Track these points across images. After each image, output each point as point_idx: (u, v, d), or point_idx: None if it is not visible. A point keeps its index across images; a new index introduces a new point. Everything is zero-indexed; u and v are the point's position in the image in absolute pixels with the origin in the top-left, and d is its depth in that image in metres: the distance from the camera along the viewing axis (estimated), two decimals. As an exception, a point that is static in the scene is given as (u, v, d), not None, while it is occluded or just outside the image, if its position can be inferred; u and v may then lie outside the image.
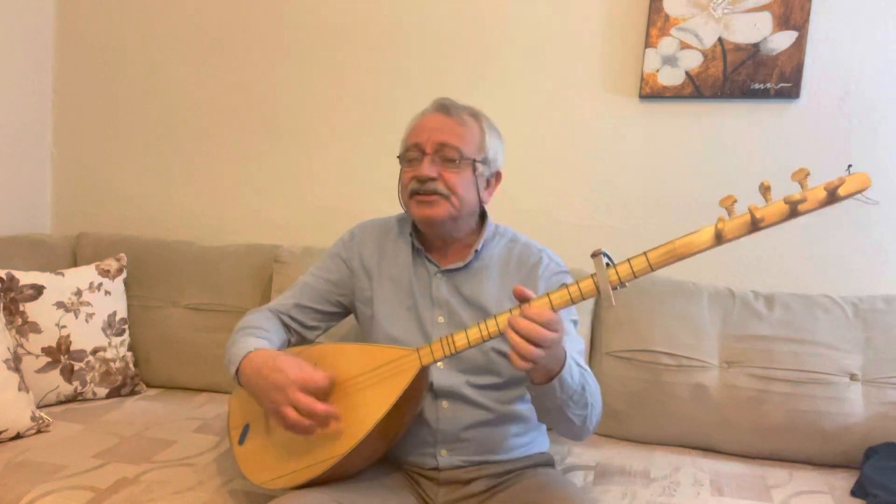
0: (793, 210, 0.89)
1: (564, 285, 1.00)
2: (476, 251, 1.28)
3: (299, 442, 1.14)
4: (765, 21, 1.74)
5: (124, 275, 1.95)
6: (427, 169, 1.20)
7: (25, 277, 1.75)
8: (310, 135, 2.14)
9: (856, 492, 1.40)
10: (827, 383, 1.54)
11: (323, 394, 1.10)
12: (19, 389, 1.56)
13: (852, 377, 1.55)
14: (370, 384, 1.13)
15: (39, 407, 1.66)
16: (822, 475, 1.50)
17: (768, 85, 1.76)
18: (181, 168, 2.26)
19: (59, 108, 2.33)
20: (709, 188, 1.85)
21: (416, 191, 1.22)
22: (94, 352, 1.82)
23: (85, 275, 1.87)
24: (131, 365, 1.89)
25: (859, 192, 0.89)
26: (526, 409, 1.28)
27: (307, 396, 1.07)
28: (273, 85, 2.16)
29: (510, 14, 1.95)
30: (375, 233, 1.37)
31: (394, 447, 1.23)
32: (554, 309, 0.99)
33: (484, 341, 1.06)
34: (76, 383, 1.78)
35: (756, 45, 1.76)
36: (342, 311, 1.39)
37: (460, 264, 1.27)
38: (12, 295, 1.72)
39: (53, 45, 2.31)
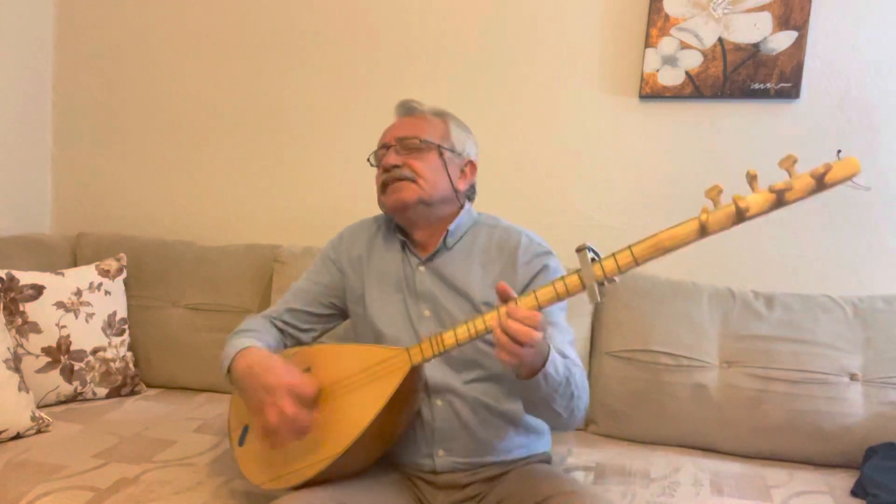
0: (779, 199, 0.84)
1: (551, 282, 0.99)
2: (448, 230, 1.28)
3: (296, 444, 1.14)
4: (765, 21, 1.74)
5: (124, 275, 1.95)
6: (392, 158, 1.25)
7: (25, 277, 1.75)
8: (310, 135, 2.14)
9: (856, 492, 1.40)
10: (827, 383, 1.54)
11: (310, 402, 1.10)
12: (19, 389, 1.56)
13: (852, 377, 1.55)
14: (361, 385, 1.13)
15: (39, 407, 1.66)
16: (822, 475, 1.50)
17: (768, 85, 1.76)
18: (181, 168, 2.26)
19: (59, 108, 2.33)
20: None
21: (384, 181, 1.26)
22: (94, 352, 1.82)
23: (85, 275, 1.87)
24: (131, 365, 1.89)
25: (849, 178, 0.84)
26: (520, 405, 1.28)
27: (293, 403, 1.07)
28: (273, 85, 2.16)
29: (510, 15, 1.95)
30: (364, 231, 1.39)
31: (392, 449, 1.23)
32: (540, 307, 0.99)
33: (472, 339, 1.06)
34: (76, 383, 1.78)
35: (756, 45, 1.76)
36: (336, 313, 1.39)
37: (436, 248, 1.28)
38: (12, 295, 1.72)
39: (53, 45, 2.31)
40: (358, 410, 1.11)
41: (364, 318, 1.32)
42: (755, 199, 0.86)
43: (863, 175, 1.89)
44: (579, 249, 0.96)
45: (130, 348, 1.91)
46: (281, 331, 1.35)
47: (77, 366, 1.78)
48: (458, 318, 1.23)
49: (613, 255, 0.95)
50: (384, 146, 1.29)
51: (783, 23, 1.73)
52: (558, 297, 0.99)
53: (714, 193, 0.90)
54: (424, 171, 1.25)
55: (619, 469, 1.49)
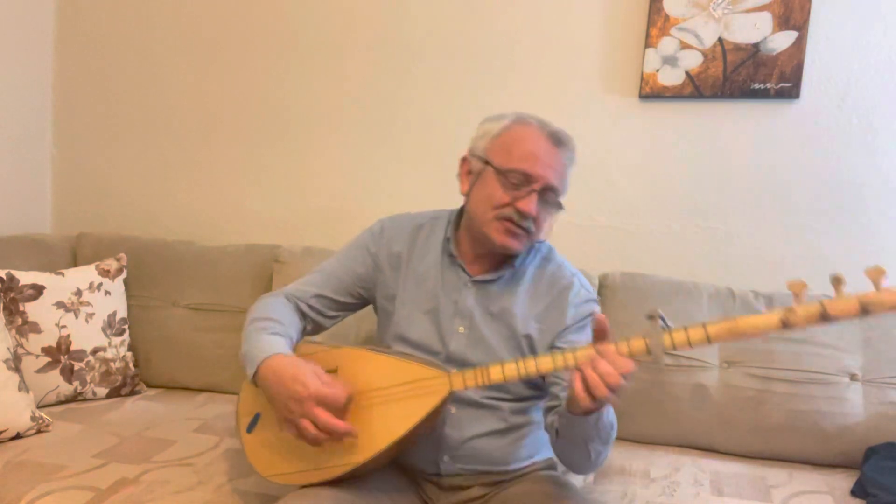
0: (864, 310, 0.84)
1: (614, 343, 0.96)
2: (515, 266, 1.25)
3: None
4: (765, 21, 1.74)
5: (124, 275, 1.95)
6: (533, 207, 1.16)
7: (25, 277, 1.75)
8: (310, 135, 2.14)
9: (856, 492, 1.40)
10: (827, 383, 1.55)
11: (341, 409, 1.09)
12: (19, 389, 1.56)
13: (852, 377, 1.55)
14: (395, 399, 1.11)
15: (39, 407, 1.66)
16: (822, 475, 1.50)
17: (768, 85, 1.76)
18: (181, 168, 2.26)
19: (59, 108, 2.33)
20: (708, 188, 1.85)
21: (509, 218, 1.17)
22: (94, 352, 1.82)
23: (85, 275, 1.87)
24: (131, 365, 1.89)
25: None
26: (533, 418, 1.27)
27: (326, 413, 1.06)
28: (273, 85, 2.15)
29: (511, 14, 1.95)
30: (406, 229, 1.33)
31: None
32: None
33: (519, 379, 1.05)
34: (76, 383, 1.78)
35: (756, 45, 1.76)
36: (361, 303, 1.36)
37: (493, 276, 1.25)
38: (12, 295, 1.72)
39: (53, 45, 2.31)
40: (386, 424, 1.09)
41: (391, 316, 1.29)
42: (841, 307, 0.85)
43: (861, 174, 1.90)
44: (650, 316, 0.94)
45: (130, 348, 1.91)
46: (302, 313, 1.30)
47: (77, 366, 1.78)
48: (492, 341, 1.22)
49: (686, 328, 0.93)
50: (527, 178, 1.16)
51: (783, 23, 1.73)
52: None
53: (798, 289, 0.88)
54: (543, 229, 1.21)
55: (619, 469, 1.49)
